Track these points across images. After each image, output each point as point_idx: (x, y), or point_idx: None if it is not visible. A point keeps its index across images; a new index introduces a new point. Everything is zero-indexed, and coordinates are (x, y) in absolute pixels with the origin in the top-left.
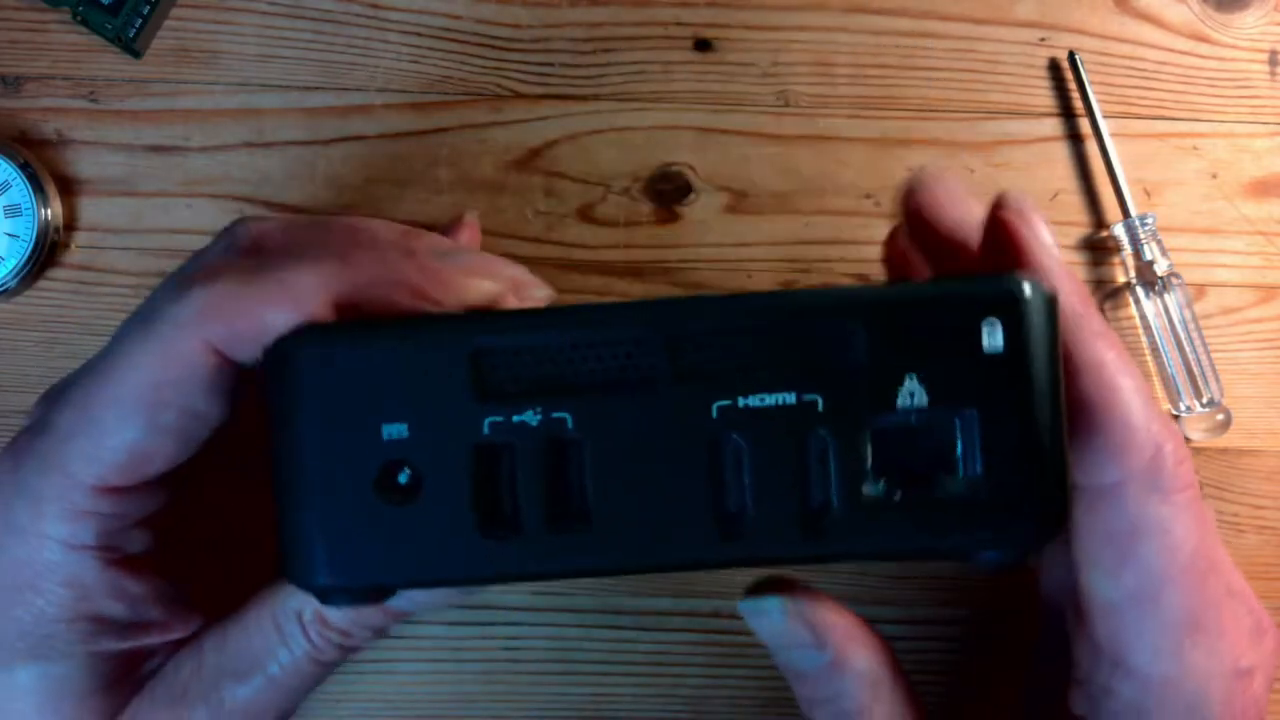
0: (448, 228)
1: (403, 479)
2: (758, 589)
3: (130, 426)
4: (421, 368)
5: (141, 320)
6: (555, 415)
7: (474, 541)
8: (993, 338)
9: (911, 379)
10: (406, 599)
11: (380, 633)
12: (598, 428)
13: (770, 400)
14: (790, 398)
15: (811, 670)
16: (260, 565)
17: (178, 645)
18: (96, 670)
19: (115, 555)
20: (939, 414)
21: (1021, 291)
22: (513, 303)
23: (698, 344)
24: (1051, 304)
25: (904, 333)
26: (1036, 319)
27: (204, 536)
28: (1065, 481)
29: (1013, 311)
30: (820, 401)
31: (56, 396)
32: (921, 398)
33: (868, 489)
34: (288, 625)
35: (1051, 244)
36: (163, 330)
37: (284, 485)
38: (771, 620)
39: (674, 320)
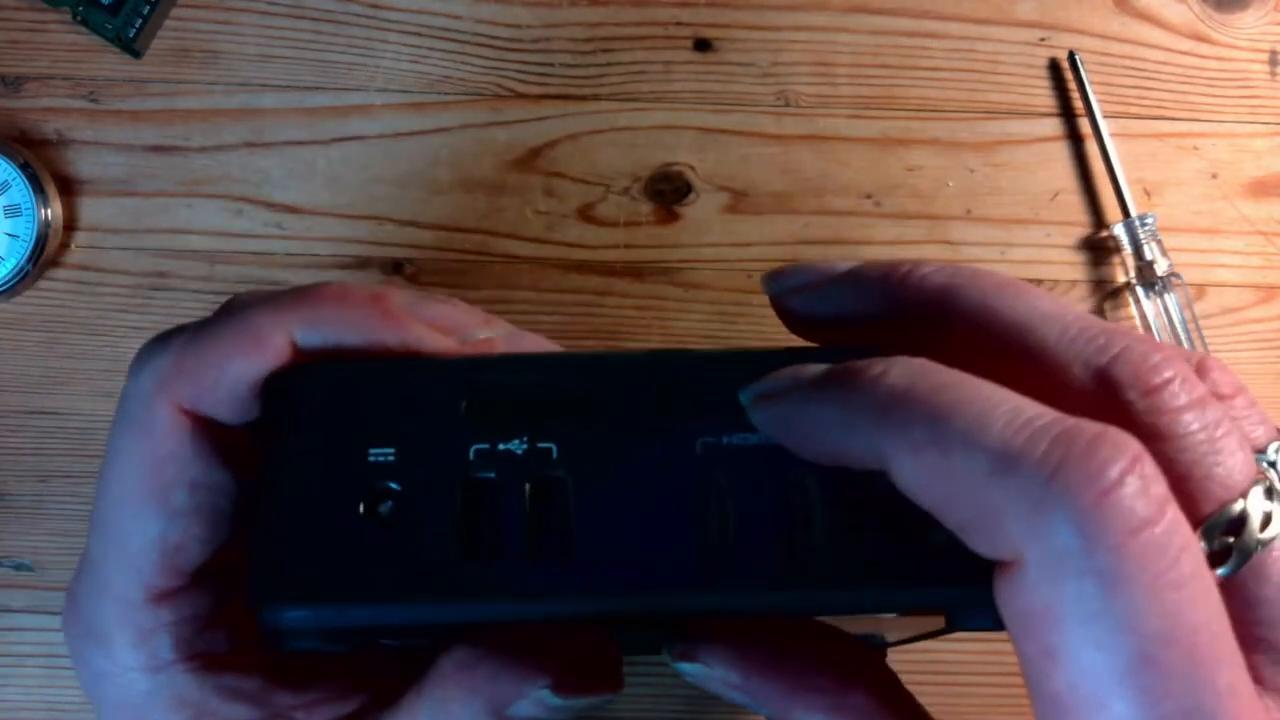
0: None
1: (385, 506)
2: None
3: (146, 522)
4: (414, 393)
5: (119, 404)
6: (541, 445)
7: (453, 570)
8: None
9: None
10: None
11: None
12: (583, 459)
13: (753, 439)
14: None
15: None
16: None
17: None
18: None
19: (205, 660)
20: None
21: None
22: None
23: (688, 391)
24: None
25: None
26: None
27: None
28: None
29: None
30: None
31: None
32: None
33: (855, 534)
34: None
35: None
36: (131, 408)
37: (260, 507)
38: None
39: (669, 376)
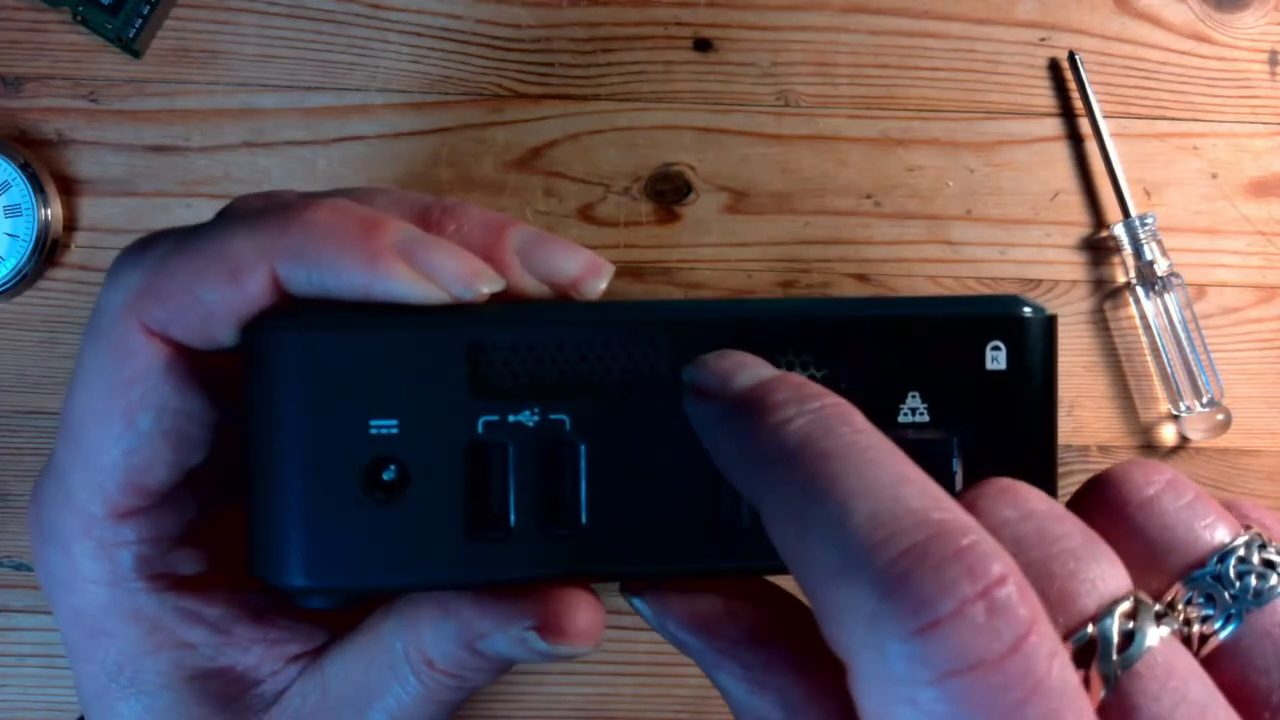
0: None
1: (389, 476)
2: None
3: (112, 441)
4: (415, 359)
5: (92, 312)
6: (553, 417)
7: (461, 544)
8: (996, 360)
9: (914, 396)
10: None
11: (505, 668)
12: (595, 431)
13: None
14: None
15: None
16: None
17: (313, 658)
18: (204, 694)
19: (168, 581)
20: (938, 431)
21: (1024, 314)
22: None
23: (702, 348)
24: (1051, 324)
25: (908, 350)
26: (1037, 341)
27: None
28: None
29: (1017, 334)
30: None
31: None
32: (922, 414)
33: None
34: (399, 665)
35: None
36: (101, 323)
37: (259, 476)
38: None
39: (679, 322)
